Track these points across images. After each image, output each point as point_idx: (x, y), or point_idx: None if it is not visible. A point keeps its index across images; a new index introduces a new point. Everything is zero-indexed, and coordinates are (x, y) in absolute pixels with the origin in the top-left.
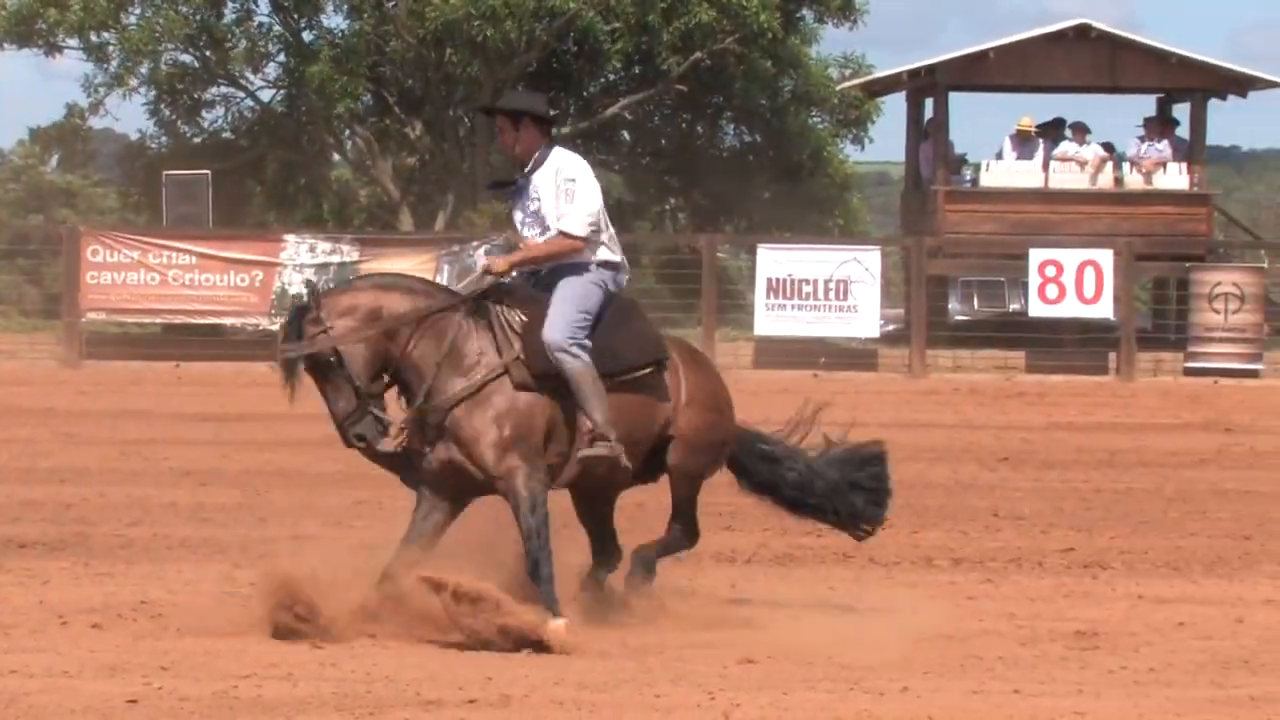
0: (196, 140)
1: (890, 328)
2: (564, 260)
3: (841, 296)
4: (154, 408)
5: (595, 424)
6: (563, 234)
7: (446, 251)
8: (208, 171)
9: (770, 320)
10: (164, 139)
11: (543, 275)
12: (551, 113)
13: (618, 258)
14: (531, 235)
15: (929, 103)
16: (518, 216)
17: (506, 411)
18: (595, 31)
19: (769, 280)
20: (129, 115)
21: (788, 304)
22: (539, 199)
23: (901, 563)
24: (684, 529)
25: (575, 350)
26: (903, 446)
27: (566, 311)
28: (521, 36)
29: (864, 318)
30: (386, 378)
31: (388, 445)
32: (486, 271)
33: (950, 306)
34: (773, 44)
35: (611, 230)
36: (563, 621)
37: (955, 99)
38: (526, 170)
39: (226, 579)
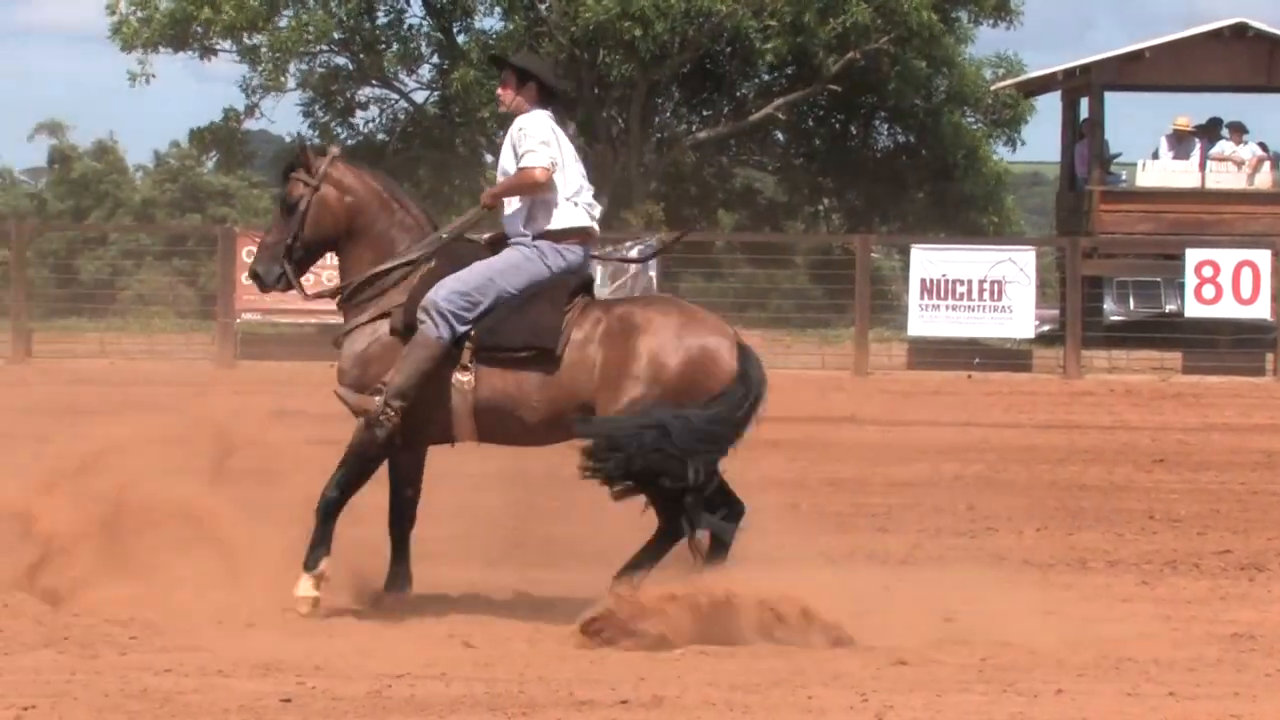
0: (350, 142)
1: (1045, 328)
2: (530, 197)
3: (996, 297)
4: (307, 408)
5: (387, 382)
6: (522, 170)
7: (599, 251)
8: None
9: (924, 321)
10: (318, 141)
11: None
12: (557, 87)
13: (582, 223)
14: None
15: (1084, 102)
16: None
17: (368, 353)
18: (748, 32)
19: (923, 281)
20: (284, 117)
21: (942, 304)
22: (505, 152)
23: (1057, 565)
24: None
25: (437, 318)
26: (1057, 448)
27: (465, 279)
28: (674, 38)
29: (1019, 318)
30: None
31: (270, 290)
32: (481, 205)
33: (1105, 307)
34: (927, 44)
35: (587, 191)
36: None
37: (1110, 98)
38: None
39: (381, 578)
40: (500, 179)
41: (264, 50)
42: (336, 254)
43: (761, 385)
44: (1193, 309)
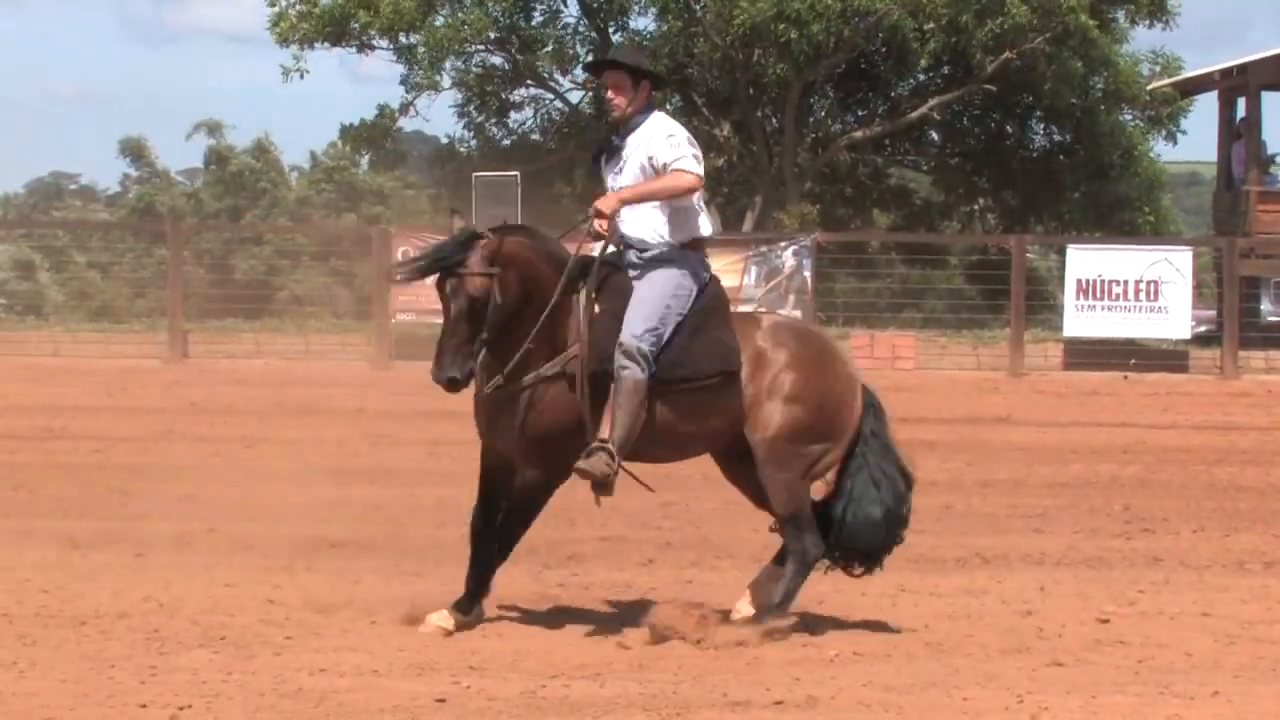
0: (505, 142)
1: (1201, 329)
2: (675, 201)
3: (1152, 297)
4: (463, 409)
5: (608, 437)
6: (681, 171)
7: (754, 252)
8: (517, 173)
9: (1080, 321)
10: (473, 141)
11: (640, 259)
12: (665, 81)
13: (709, 231)
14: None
15: (1241, 102)
16: (610, 181)
17: (549, 410)
18: (905, 31)
19: (1079, 281)
20: (439, 118)
21: (1098, 305)
22: (634, 158)
23: (1213, 566)
24: (793, 539)
25: (640, 360)
26: (1215, 449)
27: (649, 312)
28: (829, 38)
29: (1175, 318)
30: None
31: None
32: (596, 213)
33: (1263, 307)
34: (1083, 43)
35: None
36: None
37: (1268, 98)
38: (623, 133)
39: (536, 579)
40: (624, 185)
41: (420, 49)
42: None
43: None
44: None
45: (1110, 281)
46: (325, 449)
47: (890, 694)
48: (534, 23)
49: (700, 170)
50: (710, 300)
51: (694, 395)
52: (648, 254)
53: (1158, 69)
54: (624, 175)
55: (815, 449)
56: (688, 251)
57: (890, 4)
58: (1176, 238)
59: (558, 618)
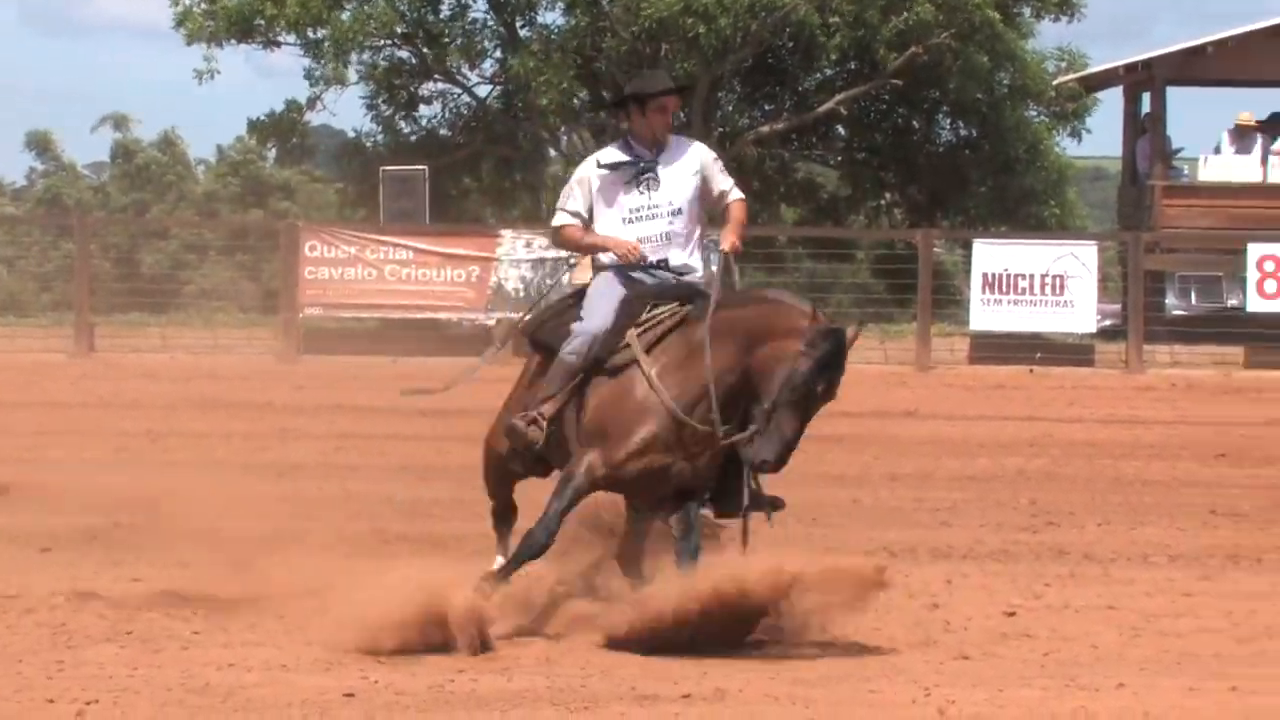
0: (413, 137)
1: (1107, 323)
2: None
3: (1058, 291)
4: (370, 402)
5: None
6: (741, 201)
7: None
8: (424, 168)
9: (986, 315)
10: (381, 136)
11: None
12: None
13: None
14: (648, 224)
15: (1146, 97)
16: (631, 200)
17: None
18: (811, 26)
19: (985, 275)
20: (346, 112)
21: (1004, 299)
22: (676, 177)
23: (1118, 559)
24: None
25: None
26: (1120, 443)
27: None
28: (736, 33)
29: (1080, 312)
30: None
31: None
32: (732, 251)
33: (1167, 301)
34: (989, 38)
35: None
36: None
37: (1172, 93)
38: (655, 154)
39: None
40: (678, 210)
41: (326, 44)
42: None
43: None
44: (1255, 304)
45: (1016, 275)
46: (232, 443)
47: (798, 687)
48: (441, 17)
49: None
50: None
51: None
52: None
53: (1064, 64)
54: (678, 196)
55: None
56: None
57: None
58: (1082, 232)
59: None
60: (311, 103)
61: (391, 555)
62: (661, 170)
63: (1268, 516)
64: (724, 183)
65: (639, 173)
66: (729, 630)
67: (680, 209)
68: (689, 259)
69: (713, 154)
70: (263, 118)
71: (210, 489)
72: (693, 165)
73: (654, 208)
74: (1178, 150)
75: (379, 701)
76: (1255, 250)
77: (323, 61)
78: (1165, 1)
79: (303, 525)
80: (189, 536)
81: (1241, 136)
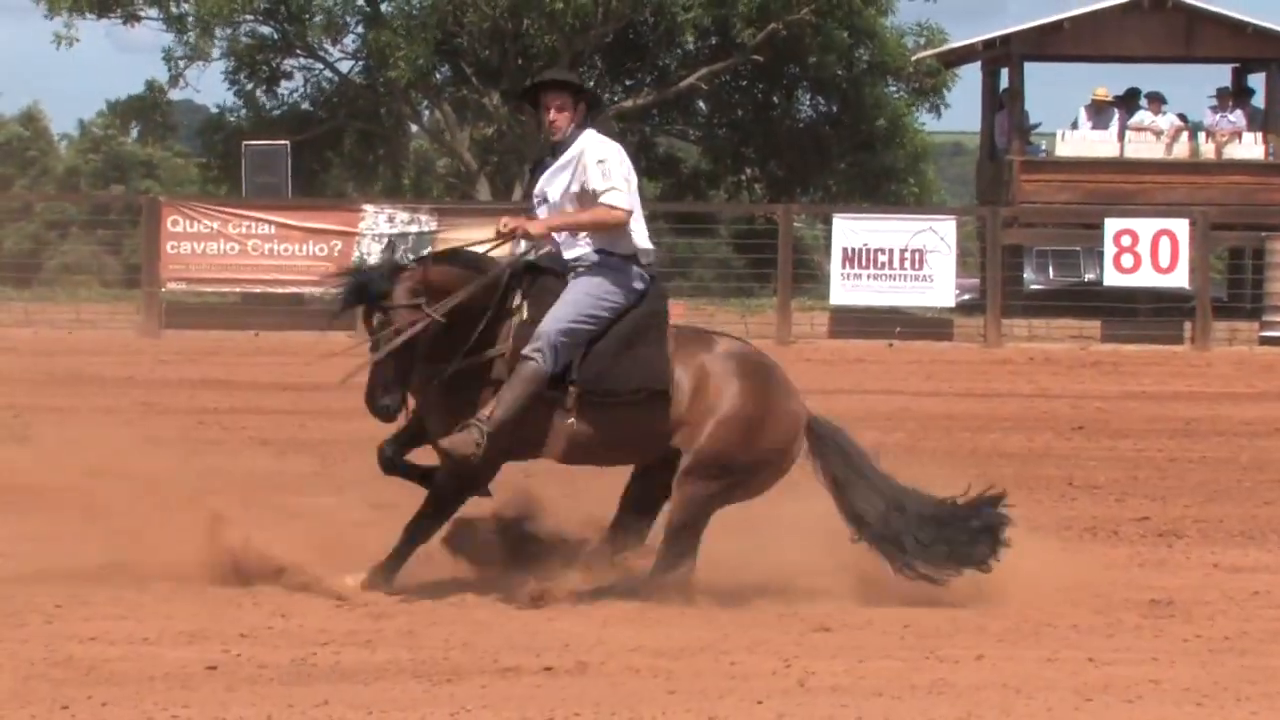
0: (276, 112)
1: (966, 297)
2: (603, 233)
3: (917, 266)
4: (232, 377)
5: (485, 415)
6: (608, 206)
7: None
8: (286, 142)
9: (846, 290)
10: (243, 111)
11: (578, 265)
12: (600, 100)
13: (649, 245)
14: (539, 215)
15: (1004, 73)
16: (537, 197)
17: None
18: (671, 2)
19: (844, 250)
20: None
21: (863, 274)
22: (564, 177)
23: None
24: (666, 557)
25: (548, 351)
26: (977, 416)
27: (569, 307)
28: (597, 8)
29: (939, 287)
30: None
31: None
32: (524, 235)
33: (1025, 276)
34: (849, 15)
35: (640, 213)
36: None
37: (1030, 69)
38: (558, 150)
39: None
40: (550, 204)
41: (189, 19)
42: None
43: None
44: (1111, 278)
45: (876, 251)
46: (95, 418)
47: (660, 659)
48: None
49: (627, 203)
50: (645, 316)
51: (618, 410)
52: (580, 263)
53: (923, 41)
54: (552, 191)
55: (730, 480)
56: (622, 262)
57: None
58: (941, 207)
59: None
60: (174, 79)
61: (255, 528)
62: (551, 164)
63: (1124, 489)
64: (599, 182)
65: (540, 166)
66: None
67: (555, 203)
68: (582, 250)
69: (598, 151)
70: (123, 99)
71: (72, 463)
72: (571, 159)
73: (540, 200)
74: (1035, 126)
75: (241, 675)
76: (1112, 225)
77: (185, 37)
78: None
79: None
80: (51, 509)
81: (1098, 112)
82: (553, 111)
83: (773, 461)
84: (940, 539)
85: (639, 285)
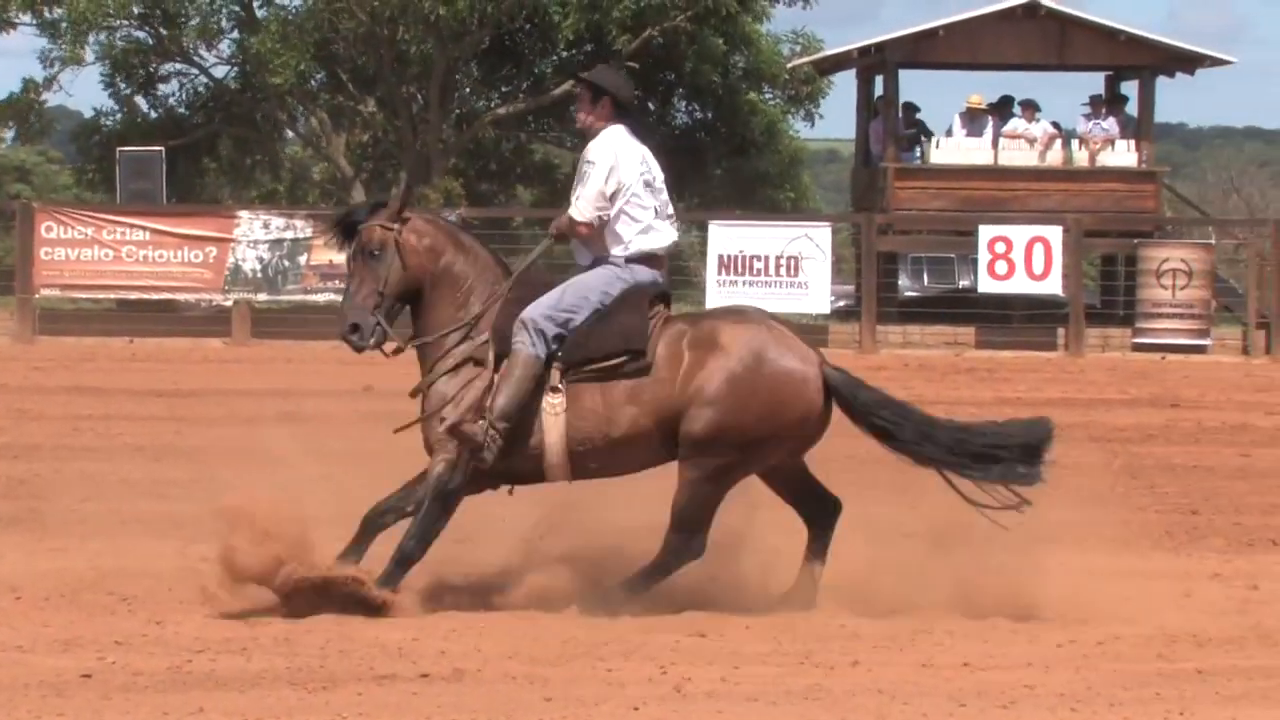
0: (151, 117)
1: (841, 304)
2: (583, 242)
3: (792, 273)
4: (107, 384)
5: (489, 406)
6: (567, 215)
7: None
8: (161, 148)
9: (722, 296)
10: (118, 115)
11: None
12: (631, 101)
13: (651, 246)
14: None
15: (879, 80)
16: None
17: (454, 392)
18: (546, 9)
19: (720, 256)
20: (84, 93)
21: (739, 280)
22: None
23: (851, 537)
24: (677, 540)
25: (533, 333)
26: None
27: (556, 296)
28: (473, 14)
29: (815, 294)
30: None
31: (367, 348)
32: (552, 233)
33: (900, 283)
34: (724, 21)
35: (659, 211)
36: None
37: (905, 76)
38: (586, 144)
39: (180, 554)
40: (576, 195)
41: (63, 24)
42: (413, 304)
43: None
44: (986, 284)
45: (751, 257)
46: None
47: (537, 666)
48: None
49: (583, 216)
50: (628, 291)
51: (605, 386)
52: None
53: (798, 48)
54: (576, 187)
55: (736, 454)
56: (631, 264)
57: None
58: (816, 214)
59: (203, 593)
60: (49, 83)
61: (130, 535)
62: (580, 162)
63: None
64: (576, 187)
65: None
66: None
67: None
68: (609, 248)
69: (591, 154)
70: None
71: None
72: (582, 156)
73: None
74: (911, 131)
75: (116, 682)
76: (986, 232)
77: (59, 42)
78: None
79: (39, 505)
80: None
81: (973, 119)
82: (577, 104)
83: (779, 428)
84: (991, 459)
85: (644, 277)
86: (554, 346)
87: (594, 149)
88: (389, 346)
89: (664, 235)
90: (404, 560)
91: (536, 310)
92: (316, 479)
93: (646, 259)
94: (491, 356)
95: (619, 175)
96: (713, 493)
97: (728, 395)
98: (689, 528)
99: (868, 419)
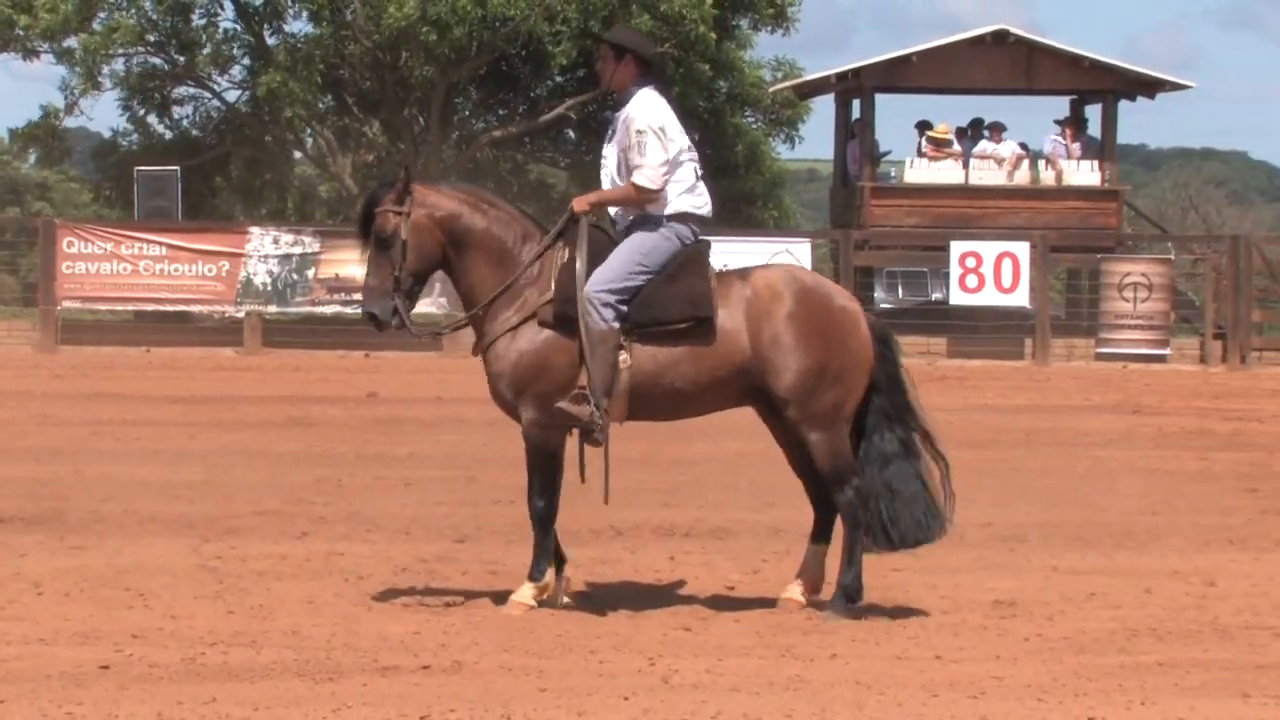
0: (166, 138)
1: None
2: (637, 209)
3: None
4: (125, 391)
5: (587, 383)
6: (635, 186)
7: None
8: (177, 168)
9: None
10: (135, 137)
11: (624, 224)
12: (654, 58)
13: (692, 207)
14: (608, 172)
15: (856, 103)
16: (605, 151)
17: (526, 352)
18: (541, 36)
19: None
20: (103, 114)
21: None
22: (615, 140)
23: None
24: (845, 494)
25: (601, 308)
26: None
27: (615, 267)
28: (471, 42)
29: None
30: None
31: (390, 327)
32: (571, 209)
33: (876, 295)
34: (709, 49)
35: (696, 173)
36: (526, 591)
37: (880, 100)
38: (616, 106)
39: (194, 552)
40: (607, 170)
41: (79, 53)
42: (449, 273)
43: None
44: (957, 297)
45: None
46: None
47: (531, 658)
48: (193, 26)
49: (653, 185)
50: (689, 253)
51: (673, 343)
52: (628, 223)
53: (779, 74)
54: (610, 160)
55: (834, 390)
56: (672, 222)
57: (527, 10)
58: (796, 230)
59: (216, 589)
60: (69, 108)
61: (146, 534)
62: (613, 126)
63: (967, 496)
64: (635, 157)
65: (610, 124)
66: None
67: (612, 174)
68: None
69: (641, 120)
70: (23, 126)
71: None
72: (621, 121)
73: (605, 160)
74: (885, 153)
75: (133, 674)
76: (957, 247)
77: (76, 69)
78: (865, 13)
79: (60, 505)
80: None
81: (938, 148)
82: (600, 64)
83: (858, 357)
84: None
85: (676, 241)
86: (622, 309)
87: (639, 116)
88: (447, 324)
89: (705, 199)
90: (542, 521)
91: (598, 285)
92: (321, 479)
93: (684, 218)
94: (550, 318)
95: (671, 138)
96: (837, 435)
97: (803, 337)
98: (843, 477)
99: (884, 365)
